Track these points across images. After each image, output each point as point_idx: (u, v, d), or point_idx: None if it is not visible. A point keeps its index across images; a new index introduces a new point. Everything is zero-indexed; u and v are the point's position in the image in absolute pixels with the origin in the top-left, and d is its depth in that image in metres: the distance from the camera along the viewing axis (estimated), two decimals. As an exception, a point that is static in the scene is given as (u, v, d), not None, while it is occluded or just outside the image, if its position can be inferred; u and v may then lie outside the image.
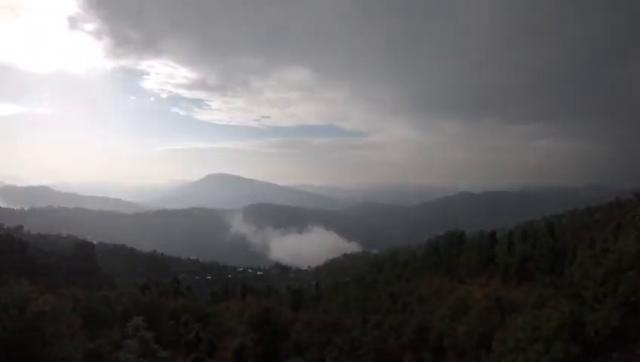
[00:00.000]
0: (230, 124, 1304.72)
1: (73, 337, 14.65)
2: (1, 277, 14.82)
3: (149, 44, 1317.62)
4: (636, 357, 12.38)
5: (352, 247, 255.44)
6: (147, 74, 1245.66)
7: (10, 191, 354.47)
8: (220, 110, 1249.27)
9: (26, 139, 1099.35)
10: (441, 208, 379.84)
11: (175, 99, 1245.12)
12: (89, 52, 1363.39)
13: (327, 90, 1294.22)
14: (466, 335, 26.62)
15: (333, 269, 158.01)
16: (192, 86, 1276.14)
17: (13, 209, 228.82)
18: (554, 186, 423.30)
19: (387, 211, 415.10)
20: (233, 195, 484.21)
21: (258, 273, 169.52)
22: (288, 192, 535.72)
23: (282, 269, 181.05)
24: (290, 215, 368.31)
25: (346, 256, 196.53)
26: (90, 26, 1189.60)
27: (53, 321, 13.63)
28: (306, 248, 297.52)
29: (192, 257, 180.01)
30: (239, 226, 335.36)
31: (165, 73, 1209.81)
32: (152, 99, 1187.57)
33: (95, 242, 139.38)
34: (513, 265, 57.56)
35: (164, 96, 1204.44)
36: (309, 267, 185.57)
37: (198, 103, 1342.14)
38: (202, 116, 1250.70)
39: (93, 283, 69.37)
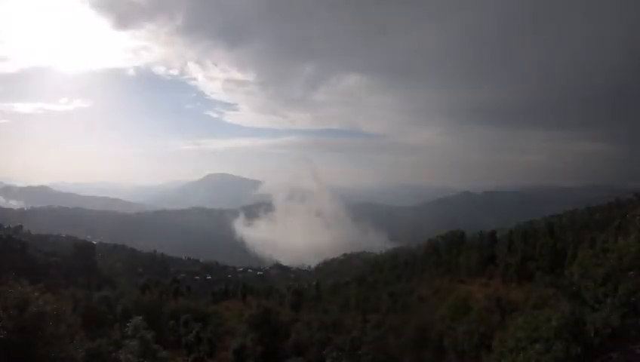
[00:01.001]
0: (247, 126, 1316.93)
1: (73, 337, 14.61)
2: (1, 277, 14.77)
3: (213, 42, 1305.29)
4: (636, 357, 12.37)
5: (352, 247, 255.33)
6: (195, 79, 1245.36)
7: (10, 191, 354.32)
8: (252, 112, 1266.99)
9: (37, 138, 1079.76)
10: (441, 208, 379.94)
11: (211, 103, 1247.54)
12: (130, 50, 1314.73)
13: (371, 96, 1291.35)
14: (466, 335, 26.63)
15: (334, 269, 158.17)
16: (238, 84, 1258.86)
17: (13, 209, 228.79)
18: (554, 186, 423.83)
19: (387, 211, 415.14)
20: (233, 195, 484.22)
21: (258, 273, 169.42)
22: (288, 192, 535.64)
23: (282, 269, 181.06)
24: (290, 214, 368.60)
25: (345, 256, 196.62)
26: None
27: (53, 321, 13.60)
28: (307, 248, 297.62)
29: (192, 257, 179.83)
30: (239, 226, 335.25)
31: (214, 74, 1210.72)
32: (193, 96, 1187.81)
33: (95, 242, 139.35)
34: (513, 265, 57.61)
35: (203, 95, 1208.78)
36: (309, 267, 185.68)
37: (234, 107, 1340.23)
38: (232, 118, 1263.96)
39: (93, 283, 69.31)
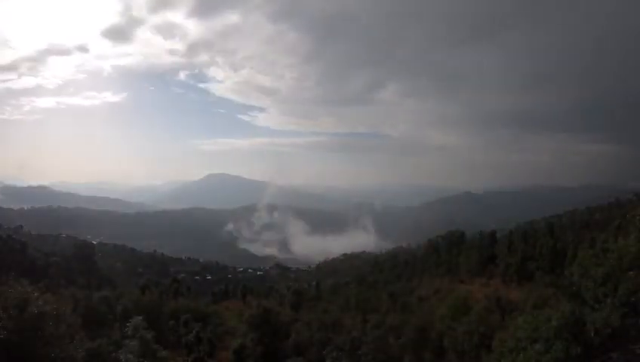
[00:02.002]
0: (274, 128, 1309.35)
1: (73, 337, 14.61)
2: (1, 277, 14.76)
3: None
4: (636, 357, 12.38)
5: (352, 247, 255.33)
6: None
7: (10, 191, 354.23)
8: (281, 115, 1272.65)
9: (44, 137, 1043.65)
10: (441, 208, 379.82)
11: (245, 107, 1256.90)
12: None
13: (407, 104, 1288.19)
14: (466, 335, 26.62)
15: (334, 269, 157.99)
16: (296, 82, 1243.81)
17: (13, 209, 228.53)
18: (554, 186, 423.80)
19: (387, 211, 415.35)
20: (233, 195, 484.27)
21: (258, 273, 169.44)
22: (289, 192, 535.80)
23: (282, 269, 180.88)
24: (290, 215, 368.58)
25: (345, 255, 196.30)
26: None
27: (53, 321, 13.60)
28: (306, 248, 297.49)
29: (192, 257, 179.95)
30: (239, 226, 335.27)
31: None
32: (215, 95, 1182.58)
33: (95, 242, 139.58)
34: (513, 265, 57.64)
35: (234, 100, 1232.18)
36: (309, 267, 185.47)
37: (266, 110, 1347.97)
38: (262, 122, 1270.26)
39: (93, 283, 69.41)
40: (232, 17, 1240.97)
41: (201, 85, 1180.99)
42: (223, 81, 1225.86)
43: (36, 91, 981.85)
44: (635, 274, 13.04)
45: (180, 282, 66.26)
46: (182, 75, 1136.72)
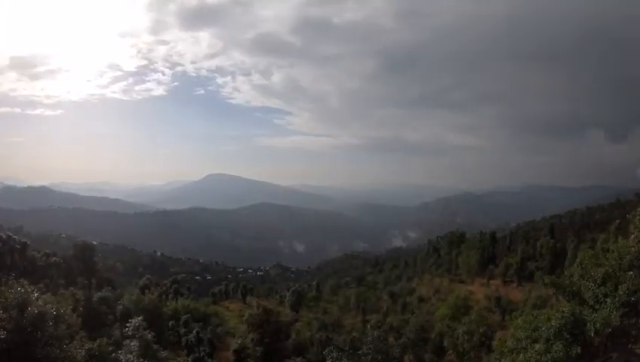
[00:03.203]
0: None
1: (73, 337, 14.63)
2: (1, 278, 14.76)
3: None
4: (636, 357, 12.39)
5: (352, 247, 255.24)
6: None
7: (10, 191, 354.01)
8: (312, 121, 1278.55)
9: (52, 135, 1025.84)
10: (441, 208, 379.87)
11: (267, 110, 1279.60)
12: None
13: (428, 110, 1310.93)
14: (466, 335, 26.62)
15: (334, 269, 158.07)
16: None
17: (13, 209, 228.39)
18: (554, 186, 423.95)
19: (387, 211, 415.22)
20: (233, 195, 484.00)
21: (258, 273, 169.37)
22: (288, 192, 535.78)
23: (282, 269, 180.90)
24: (290, 215, 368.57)
25: (346, 255, 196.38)
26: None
27: (53, 321, 13.60)
28: (306, 248, 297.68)
29: (192, 257, 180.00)
30: (239, 226, 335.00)
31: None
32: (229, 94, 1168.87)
33: (95, 242, 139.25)
34: (513, 265, 57.70)
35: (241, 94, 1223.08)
36: (309, 267, 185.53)
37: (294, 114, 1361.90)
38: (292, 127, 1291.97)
39: (93, 284, 69.21)
40: (357, 13, 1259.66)
41: (246, 87, 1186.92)
42: (272, 84, 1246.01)
43: (67, 82, 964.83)
44: (635, 274, 13.03)
45: (179, 282, 66.18)
46: (231, 77, 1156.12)
